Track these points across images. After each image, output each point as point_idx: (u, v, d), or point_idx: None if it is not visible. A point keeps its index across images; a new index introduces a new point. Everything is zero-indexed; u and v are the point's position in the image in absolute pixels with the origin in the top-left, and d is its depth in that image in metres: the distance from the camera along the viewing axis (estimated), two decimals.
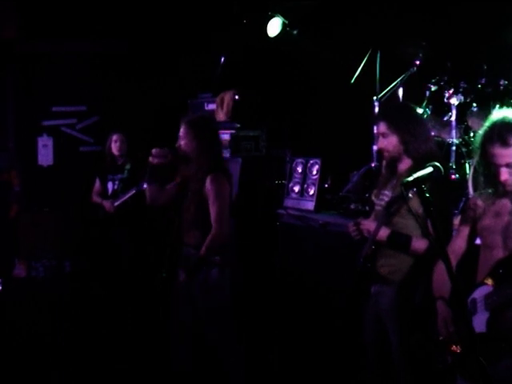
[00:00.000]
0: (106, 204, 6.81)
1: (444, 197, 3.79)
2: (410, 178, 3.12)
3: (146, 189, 4.98)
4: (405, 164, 3.99)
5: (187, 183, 4.87)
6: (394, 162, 4.04)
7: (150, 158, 4.80)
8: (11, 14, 7.66)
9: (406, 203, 3.63)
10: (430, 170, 3.41)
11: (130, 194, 6.70)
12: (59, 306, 6.98)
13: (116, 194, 6.87)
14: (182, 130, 4.86)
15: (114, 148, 6.96)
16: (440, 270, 3.33)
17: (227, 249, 4.84)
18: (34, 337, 6.26)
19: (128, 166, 6.95)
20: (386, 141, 3.99)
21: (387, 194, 4.00)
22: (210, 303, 4.76)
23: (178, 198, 4.94)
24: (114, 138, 7.00)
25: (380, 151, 4.12)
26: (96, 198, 7.04)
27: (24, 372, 5.58)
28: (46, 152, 8.75)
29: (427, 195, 2.93)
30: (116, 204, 6.74)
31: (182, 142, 4.82)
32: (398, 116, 4.11)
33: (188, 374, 4.93)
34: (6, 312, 6.73)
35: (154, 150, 4.79)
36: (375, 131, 5.97)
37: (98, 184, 7.10)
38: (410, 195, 3.45)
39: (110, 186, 7.02)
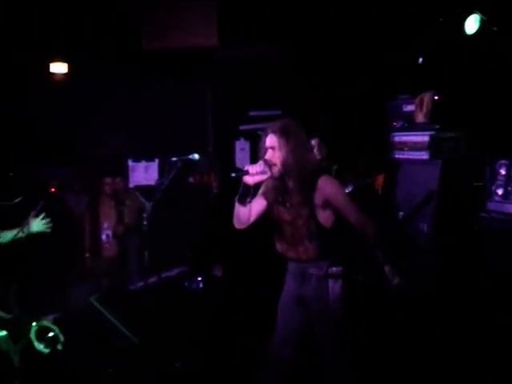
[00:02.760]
0: None
1: None
2: None
3: (236, 210, 4.39)
4: None
5: (278, 197, 4.50)
6: None
7: (246, 177, 4.26)
8: (213, 25, 7.92)
9: None
10: None
11: None
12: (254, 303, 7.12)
13: None
14: (272, 140, 4.38)
15: (316, 153, 7.04)
16: None
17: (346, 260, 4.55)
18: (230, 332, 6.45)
19: (335, 167, 6.99)
20: None
21: None
22: (327, 318, 4.47)
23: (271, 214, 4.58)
24: (313, 143, 7.07)
25: None
26: None
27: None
28: (243, 155, 9.01)
29: None
30: None
31: (277, 154, 4.34)
32: None
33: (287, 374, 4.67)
34: (207, 309, 6.96)
35: (249, 168, 4.27)
36: None
37: None
38: None
39: None
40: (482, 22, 6.80)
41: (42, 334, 6.07)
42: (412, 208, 6.47)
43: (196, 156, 5.13)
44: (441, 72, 7.31)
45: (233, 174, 4.29)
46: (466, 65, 7.19)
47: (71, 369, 5.83)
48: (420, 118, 6.99)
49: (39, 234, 6.44)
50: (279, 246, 4.62)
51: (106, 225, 7.81)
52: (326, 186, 4.36)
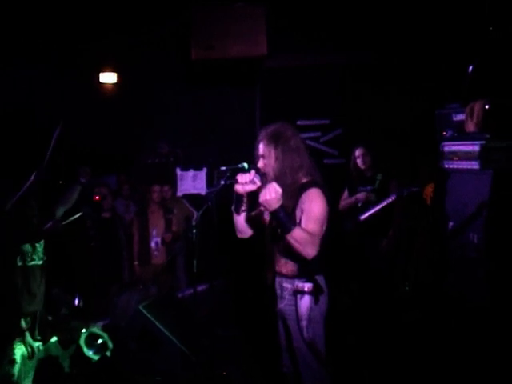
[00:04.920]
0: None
1: None
2: None
3: (235, 221, 4.38)
4: None
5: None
6: None
7: (236, 186, 4.16)
8: (261, 34, 7.94)
9: None
10: None
11: (380, 207, 6.70)
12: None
13: (366, 206, 6.90)
14: (261, 148, 4.20)
15: (359, 163, 7.02)
16: None
17: (320, 275, 4.23)
18: None
19: (379, 177, 6.96)
20: None
21: None
22: (302, 336, 4.21)
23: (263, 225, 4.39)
24: (357, 153, 7.06)
25: None
26: (344, 204, 7.13)
27: None
28: None
29: None
30: (363, 218, 6.75)
31: (265, 162, 4.18)
32: None
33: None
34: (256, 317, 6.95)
35: (239, 177, 4.16)
36: None
37: (346, 195, 7.20)
38: None
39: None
40: None
41: (91, 340, 6.15)
42: (464, 219, 6.38)
43: (245, 165, 5.13)
44: (493, 80, 7.20)
45: (222, 182, 4.29)
46: None
47: (119, 376, 5.88)
48: (471, 127, 6.87)
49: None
50: (270, 259, 4.38)
51: (154, 232, 7.88)
52: (307, 199, 4.08)
